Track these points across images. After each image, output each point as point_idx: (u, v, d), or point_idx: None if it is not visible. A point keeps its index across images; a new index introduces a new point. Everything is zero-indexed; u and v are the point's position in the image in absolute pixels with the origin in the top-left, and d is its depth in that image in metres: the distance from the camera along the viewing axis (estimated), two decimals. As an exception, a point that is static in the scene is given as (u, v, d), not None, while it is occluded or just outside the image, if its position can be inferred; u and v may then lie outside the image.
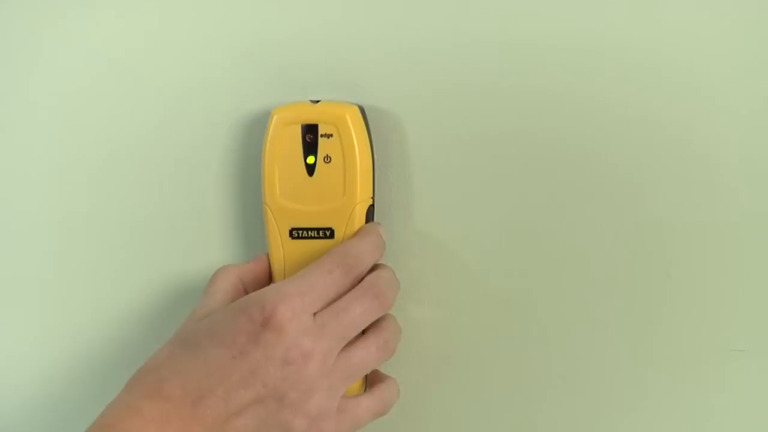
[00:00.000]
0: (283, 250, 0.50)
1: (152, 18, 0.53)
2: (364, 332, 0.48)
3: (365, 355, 0.47)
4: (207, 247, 0.54)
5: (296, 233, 0.50)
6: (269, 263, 0.51)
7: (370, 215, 0.51)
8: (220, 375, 0.43)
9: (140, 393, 0.43)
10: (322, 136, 0.49)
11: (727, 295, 0.51)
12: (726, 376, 0.51)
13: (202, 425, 0.42)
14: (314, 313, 0.46)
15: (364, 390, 0.50)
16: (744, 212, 0.50)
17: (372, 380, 0.50)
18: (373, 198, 0.51)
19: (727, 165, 0.49)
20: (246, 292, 0.49)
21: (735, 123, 0.49)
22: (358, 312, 0.47)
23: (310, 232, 0.50)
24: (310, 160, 0.49)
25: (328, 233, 0.50)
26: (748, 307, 0.51)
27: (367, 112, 0.51)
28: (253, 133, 0.52)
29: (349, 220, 0.50)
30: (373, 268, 0.49)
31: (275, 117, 0.49)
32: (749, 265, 0.50)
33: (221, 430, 0.43)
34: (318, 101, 0.50)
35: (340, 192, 0.49)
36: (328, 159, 0.49)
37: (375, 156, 0.51)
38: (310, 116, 0.49)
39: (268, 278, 0.51)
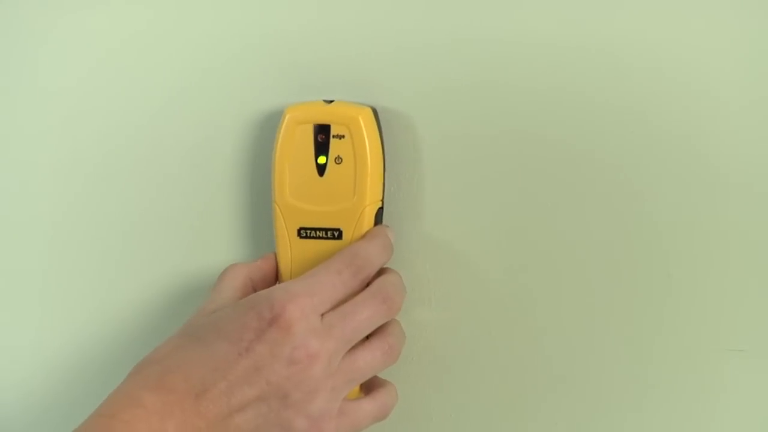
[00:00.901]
0: (290, 249, 0.50)
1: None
2: (368, 337, 0.48)
3: (370, 359, 0.47)
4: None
5: (304, 233, 0.50)
6: (276, 262, 0.51)
7: (379, 218, 0.50)
8: (225, 370, 0.43)
9: (143, 383, 0.42)
10: (334, 136, 0.49)
11: (727, 295, 0.51)
12: (726, 376, 0.51)
13: (203, 419, 0.42)
14: (322, 314, 0.45)
15: (361, 395, 0.50)
16: (744, 212, 0.50)
17: (371, 385, 0.50)
18: (382, 200, 0.50)
19: (728, 164, 0.50)
20: (254, 290, 0.49)
21: (735, 122, 0.49)
22: (365, 315, 0.46)
23: (318, 233, 0.50)
24: (321, 160, 0.49)
25: (336, 234, 0.50)
26: (748, 307, 0.51)
27: (379, 114, 0.50)
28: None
29: (357, 221, 0.49)
30: (381, 271, 0.49)
31: (288, 116, 0.49)
32: (749, 265, 0.50)
33: (223, 425, 0.42)
34: (332, 101, 0.50)
35: (350, 193, 0.49)
36: (339, 160, 0.49)
37: (386, 158, 0.50)
38: (323, 116, 0.49)
39: (276, 277, 0.51)
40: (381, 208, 0.51)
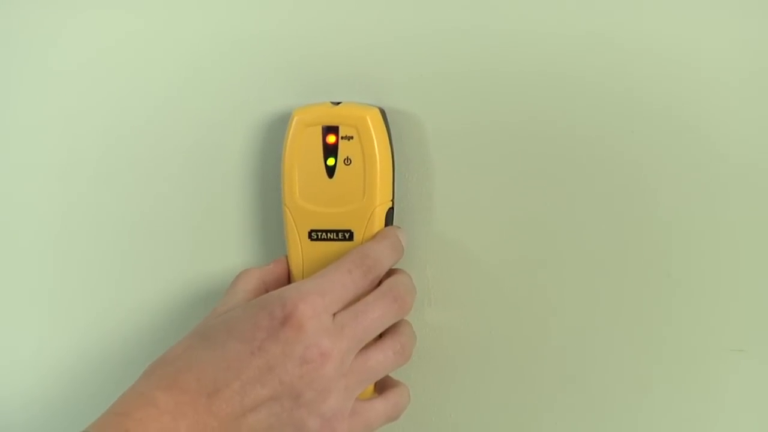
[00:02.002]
0: (302, 251, 0.50)
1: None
2: (381, 336, 0.48)
3: (382, 359, 0.47)
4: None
5: (315, 235, 0.50)
6: (288, 265, 0.51)
7: (389, 218, 0.50)
8: (237, 369, 0.43)
9: (156, 383, 0.42)
10: (342, 138, 0.49)
11: (727, 295, 0.51)
12: (725, 376, 0.51)
13: (216, 418, 0.42)
14: (333, 314, 0.45)
15: (375, 395, 0.50)
16: (744, 212, 0.50)
17: (383, 385, 0.50)
18: (392, 201, 0.50)
19: (728, 165, 0.49)
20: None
21: (736, 122, 0.49)
22: (376, 315, 0.46)
23: (329, 234, 0.50)
24: (330, 161, 0.49)
25: (347, 235, 0.50)
26: (747, 307, 0.51)
27: (388, 115, 0.51)
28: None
29: (368, 222, 0.49)
30: (391, 272, 0.49)
31: (296, 118, 0.49)
32: (749, 265, 0.50)
33: (235, 425, 0.42)
34: (339, 103, 0.50)
35: (360, 194, 0.49)
36: (348, 161, 0.49)
37: (395, 158, 0.51)
38: (331, 118, 0.49)
39: (289, 280, 0.51)
40: (391, 209, 0.51)
